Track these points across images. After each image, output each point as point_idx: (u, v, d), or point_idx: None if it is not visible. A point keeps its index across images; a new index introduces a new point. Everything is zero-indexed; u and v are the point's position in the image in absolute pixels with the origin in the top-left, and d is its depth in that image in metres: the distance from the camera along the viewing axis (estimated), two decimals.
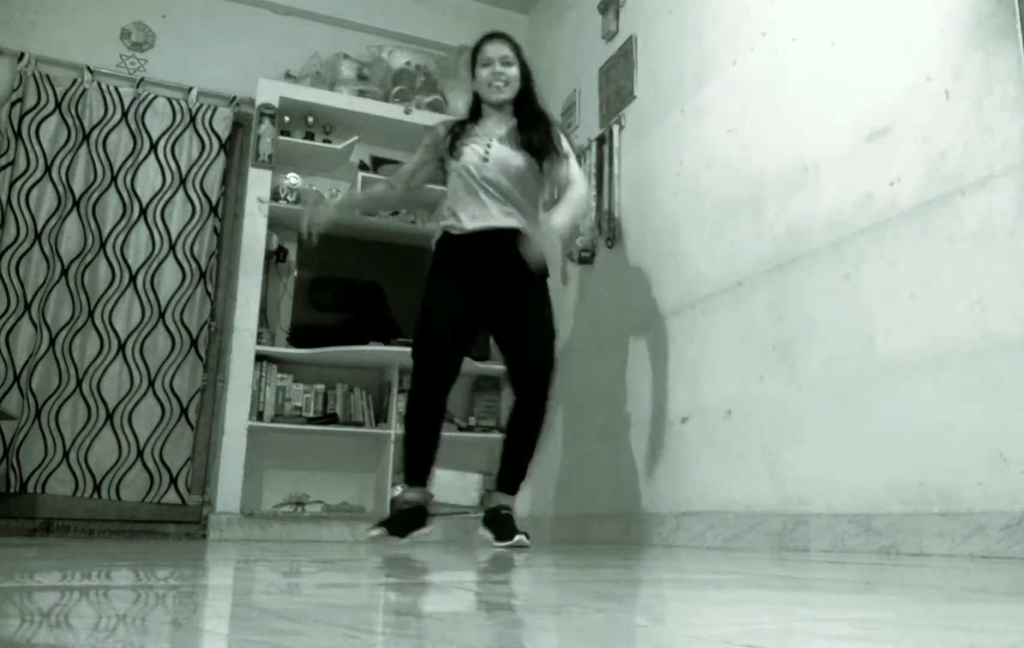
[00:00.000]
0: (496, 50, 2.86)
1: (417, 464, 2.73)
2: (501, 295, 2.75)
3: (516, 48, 2.91)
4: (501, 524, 2.63)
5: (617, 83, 3.70)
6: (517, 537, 2.55)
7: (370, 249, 4.25)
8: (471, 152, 2.78)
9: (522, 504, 4.07)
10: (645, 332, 3.27)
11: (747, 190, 2.77)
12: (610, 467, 3.39)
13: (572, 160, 2.87)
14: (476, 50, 2.92)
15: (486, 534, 2.68)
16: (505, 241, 2.71)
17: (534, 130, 2.82)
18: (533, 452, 2.76)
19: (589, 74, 3.95)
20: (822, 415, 2.35)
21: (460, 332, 2.75)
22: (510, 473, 2.76)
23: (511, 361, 2.80)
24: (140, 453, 3.80)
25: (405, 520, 2.67)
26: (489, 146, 2.79)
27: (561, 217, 2.67)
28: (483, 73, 2.85)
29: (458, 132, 2.86)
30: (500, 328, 2.85)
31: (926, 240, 2.08)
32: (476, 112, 2.92)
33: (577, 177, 2.84)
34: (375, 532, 2.62)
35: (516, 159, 2.78)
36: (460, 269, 2.75)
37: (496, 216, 2.74)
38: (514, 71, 2.85)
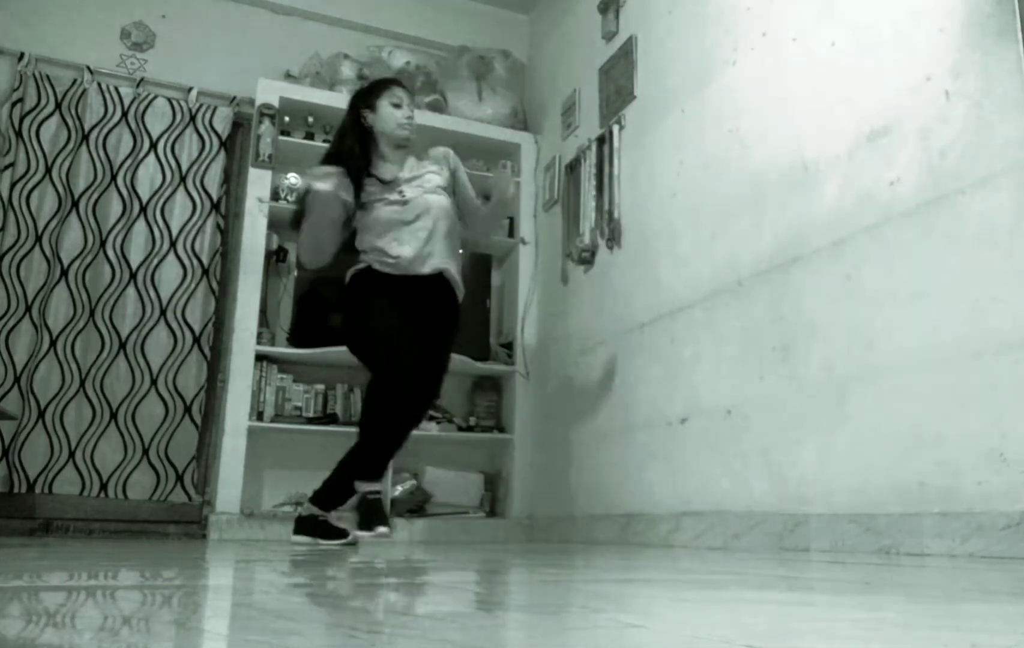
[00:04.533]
0: (407, 96, 3.01)
1: (384, 463, 2.88)
2: (426, 334, 2.84)
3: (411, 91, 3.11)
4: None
5: (617, 83, 3.70)
6: (382, 529, 2.62)
7: None
8: (386, 207, 2.84)
9: (522, 504, 4.08)
10: (645, 332, 3.27)
11: (747, 190, 2.77)
12: (610, 467, 3.39)
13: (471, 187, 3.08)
14: (384, 85, 3.02)
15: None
16: (437, 288, 2.86)
17: (436, 165, 3.00)
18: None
19: (589, 74, 3.95)
20: (822, 415, 2.35)
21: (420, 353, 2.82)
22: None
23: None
24: (146, 451, 3.81)
25: (379, 513, 2.71)
26: (402, 191, 2.87)
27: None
28: (396, 113, 2.94)
29: (358, 179, 2.87)
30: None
31: (926, 240, 2.08)
32: (366, 151, 2.93)
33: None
34: (358, 534, 2.68)
35: (432, 195, 2.90)
36: (398, 300, 2.81)
37: (424, 258, 2.82)
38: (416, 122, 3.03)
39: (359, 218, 2.88)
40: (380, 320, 2.80)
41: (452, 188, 3.00)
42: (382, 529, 2.63)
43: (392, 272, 2.82)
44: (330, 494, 2.86)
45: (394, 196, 2.86)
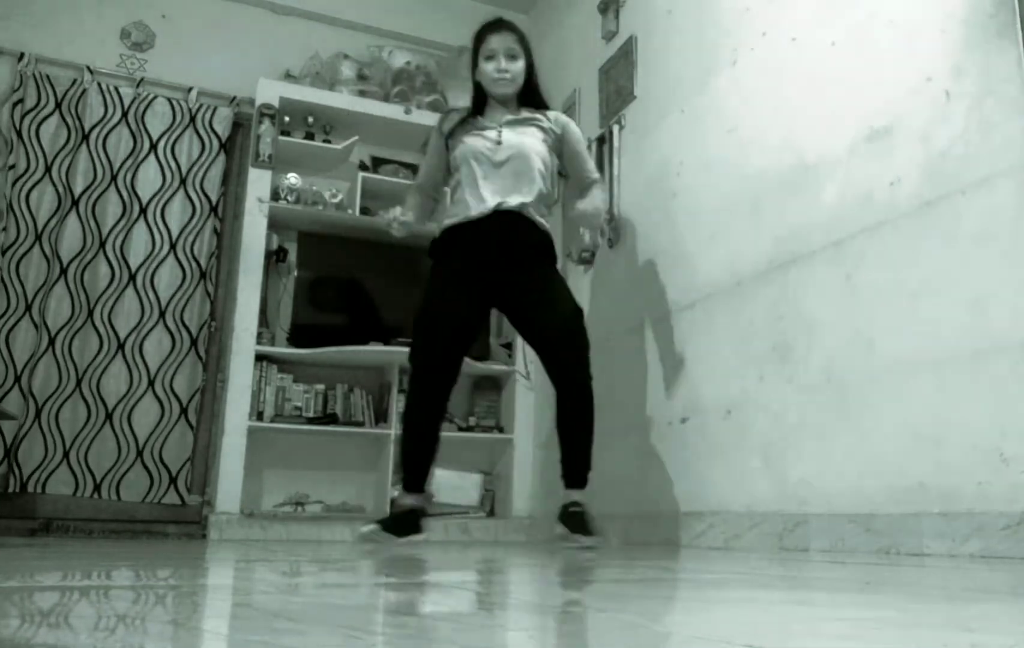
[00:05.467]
0: (501, 41, 2.80)
1: (415, 469, 2.67)
2: (510, 280, 2.69)
3: (521, 38, 2.85)
4: (571, 521, 2.55)
5: (617, 83, 3.70)
6: (587, 539, 2.48)
7: (369, 249, 4.25)
8: (481, 140, 2.76)
9: (522, 504, 4.08)
10: (645, 332, 3.27)
11: (747, 190, 2.77)
12: (610, 467, 3.38)
13: (590, 158, 2.90)
14: (479, 39, 2.84)
15: (559, 530, 2.59)
16: (513, 222, 2.68)
17: (546, 120, 2.84)
18: (590, 438, 2.63)
19: (589, 74, 3.95)
20: (822, 415, 2.35)
21: (460, 330, 2.68)
22: (572, 467, 2.63)
23: (537, 346, 2.72)
24: (140, 453, 3.80)
25: (401, 522, 2.63)
26: (500, 130, 2.77)
27: (593, 203, 2.72)
28: (487, 67, 2.80)
29: (464, 122, 2.84)
30: (516, 313, 2.77)
31: (926, 240, 2.08)
32: (480, 105, 2.88)
33: (598, 179, 2.87)
34: (367, 529, 2.57)
35: (529, 139, 2.76)
36: (462, 259, 2.70)
37: (507, 196, 2.69)
38: (519, 65, 2.82)
39: (453, 159, 2.82)
40: (430, 290, 2.72)
41: (558, 148, 2.84)
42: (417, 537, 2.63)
43: (469, 214, 2.69)
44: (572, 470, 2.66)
45: (491, 133, 2.76)
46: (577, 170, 2.90)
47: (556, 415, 2.67)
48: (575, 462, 2.64)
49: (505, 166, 2.73)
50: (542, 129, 2.82)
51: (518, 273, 2.71)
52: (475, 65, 2.87)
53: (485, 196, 2.70)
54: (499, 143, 2.74)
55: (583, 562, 1.98)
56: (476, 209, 2.70)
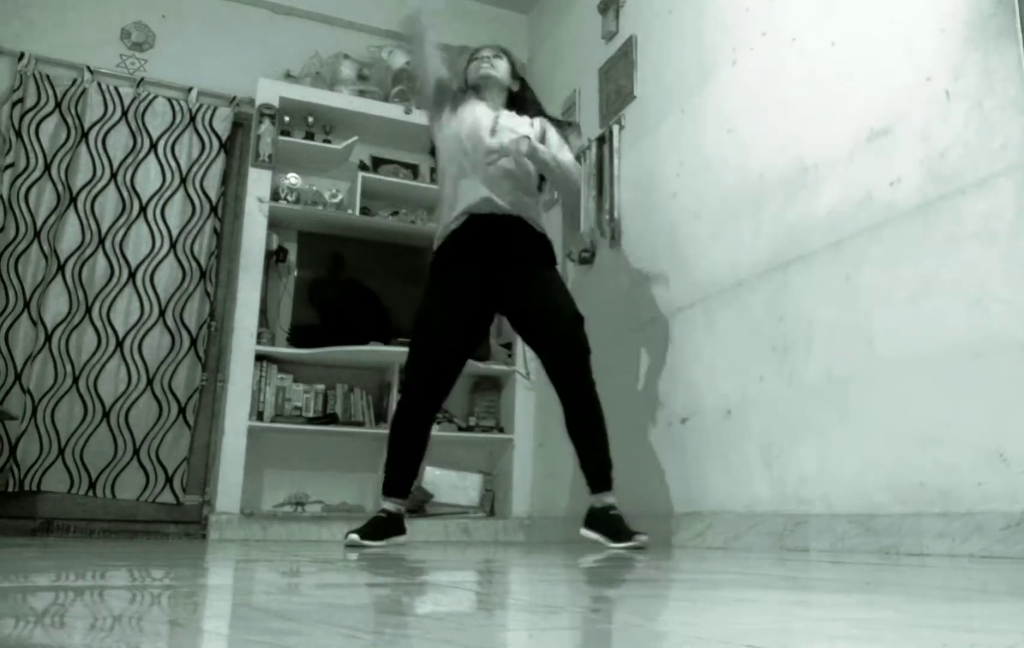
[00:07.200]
0: (487, 49, 3.00)
1: (401, 477, 2.72)
2: (511, 282, 2.75)
3: (508, 54, 3.02)
4: (615, 525, 2.56)
5: (617, 83, 3.70)
6: (640, 538, 2.50)
7: (369, 249, 4.25)
8: (477, 121, 2.83)
9: (522, 504, 4.08)
10: (645, 332, 3.27)
11: (747, 190, 2.77)
12: None
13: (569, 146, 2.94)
14: (468, 61, 3.02)
15: (593, 535, 2.59)
16: (509, 228, 2.76)
17: (533, 108, 2.98)
18: (605, 437, 2.67)
19: (589, 74, 3.95)
20: (822, 415, 2.35)
21: (457, 348, 2.74)
22: (595, 469, 2.65)
23: (539, 350, 2.78)
24: (136, 451, 3.80)
25: (383, 527, 2.65)
26: (497, 117, 2.86)
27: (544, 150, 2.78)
28: (472, 65, 2.97)
29: (459, 97, 2.95)
30: (518, 315, 2.83)
31: (926, 240, 2.08)
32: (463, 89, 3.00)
33: (570, 155, 2.92)
34: (352, 537, 2.59)
35: (523, 129, 2.83)
36: (461, 272, 2.73)
37: (500, 199, 2.75)
38: (504, 63, 2.98)
39: (443, 139, 2.91)
40: (430, 302, 2.75)
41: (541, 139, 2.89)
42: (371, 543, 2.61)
43: (467, 210, 2.74)
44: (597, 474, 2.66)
45: (486, 117, 2.86)
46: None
47: (566, 423, 2.71)
48: (596, 464, 2.66)
49: (499, 161, 2.76)
50: (527, 126, 2.90)
51: (519, 275, 2.76)
52: (465, 79, 3.01)
53: (477, 195, 2.75)
54: (494, 131, 2.81)
55: (583, 563, 1.98)
56: (472, 207, 2.75)
